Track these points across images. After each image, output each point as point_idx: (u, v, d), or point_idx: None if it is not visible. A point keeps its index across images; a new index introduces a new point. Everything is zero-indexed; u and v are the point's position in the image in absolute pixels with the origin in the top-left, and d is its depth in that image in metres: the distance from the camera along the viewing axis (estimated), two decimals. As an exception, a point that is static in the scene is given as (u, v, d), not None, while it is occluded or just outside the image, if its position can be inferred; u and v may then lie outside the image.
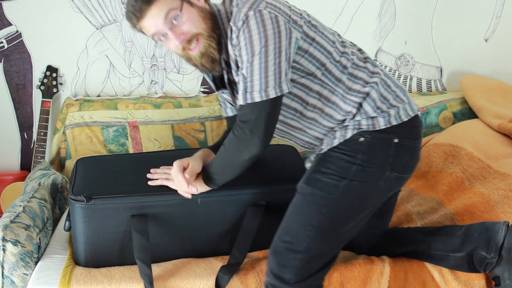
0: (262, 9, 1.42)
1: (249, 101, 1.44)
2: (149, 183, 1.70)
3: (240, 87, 1.45)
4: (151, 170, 1.75)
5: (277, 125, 1.57)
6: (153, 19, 1.46)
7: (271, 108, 1.46)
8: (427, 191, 2.13)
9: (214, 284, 1.64)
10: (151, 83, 2.65)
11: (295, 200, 1.58)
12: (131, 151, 2.47)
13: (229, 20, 1.50)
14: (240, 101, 1.46)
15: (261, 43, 1.40)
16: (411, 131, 1.57)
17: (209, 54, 1.51)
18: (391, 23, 2.68)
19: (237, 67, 1.51)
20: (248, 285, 1.66)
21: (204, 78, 2.66)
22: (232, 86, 1.63)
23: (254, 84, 1.43)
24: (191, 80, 2.67)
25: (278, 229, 1.57)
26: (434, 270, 1.71)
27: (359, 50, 1.62)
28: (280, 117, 1.57)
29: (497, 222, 1.62)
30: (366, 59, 1.59)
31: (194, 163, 1.63)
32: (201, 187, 1.62)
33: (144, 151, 2.47)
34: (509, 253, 1.56)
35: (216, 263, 1.70)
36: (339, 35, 1.62)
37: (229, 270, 1.64)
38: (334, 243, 1.56)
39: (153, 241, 1.67)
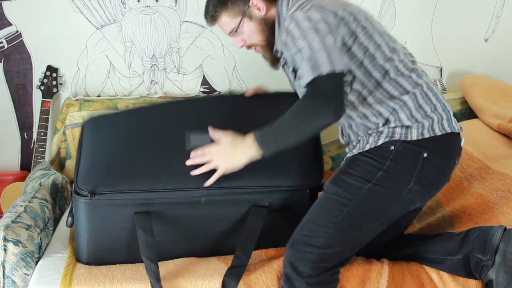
0: (309, 9, 1.54)
1: (316, 74, 1.45)
2: (192, 173, 1.64)
3: (305, 65, 1.47)
4: (188, 162, 1.65)
5: None
6: (221, 28, 1.73)
7: (340, 78, 1.47)
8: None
9: (216, 284, 1.64)
10: (151, 83, 2.65)
11: (319, 198, 1.64)
12: (131, 151, 2.47)
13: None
14: (310, 76, 1.46)
15: (311, 26, 1.49)
16: (444, 151, 1.59)
17: (266, 57, 1.74)
18: (391, 23, 2.68)
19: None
20: (251, 286, 1.66)
21: (204, 78, 2.67)
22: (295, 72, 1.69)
23: (320, 59, 1.45)
24: (191, 80, 2.67)
25: (299, 225, 1.62)
26: (432, 271, 1.71)
27: (412, 61, 1.65)
28: None
29: (493, 226, 1.64)
30: (413, 70, 1.62)
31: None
32: (249, 153, 1.55)
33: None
34: (504, 256, 1.57)
35: (219, 264, 1.71)
36: (394, 41, 1.65)
37: (235, 274, 1.64)
38: (349, 244, 1.60)
39: (156, 239, 1.67)
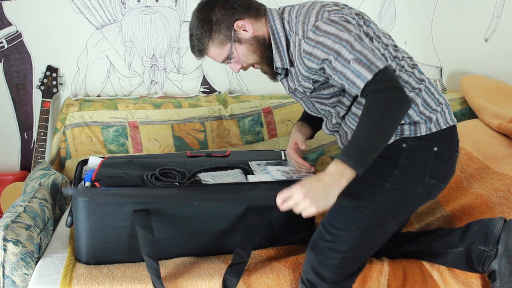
0: (329, 15, 1.51)
1: (376, 70, 1.43)
2: (278, 204, 1.42)
3: (356, 66, 1.44)
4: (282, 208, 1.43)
5: (332, 118, 1.67)
6: (213, 59, 1.66)
7: (392, 71, 1.48)
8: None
9: (216, 284, 1.64)
10: (151, 83, 2.65)
11: (337, 202, 1.57)
12: (131, 151, 2.47)
13: (285, 31, 1.59)
14: (369, 74, 1.43)
15: (341, 28, 1.47)
16: (450, 144, 1.62)
17: (265, 71, 1.67)
18: (391, 23, 2.68)
19: (308, 70, 1.56)
20: (251, 286, 1.66)
21: (204, 78, 2.67)
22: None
23: (368, 57, 1.44)
24: (191, 80, 2.67)
25: (317, 229, 1.61)
26: (433, 269, 1.72)
27: (410, 57, 1.66)
28: (333, 111, 1.65)
29: (493, 218, 1.67)
30: (414, 66, 1.63)
31: (297, 134, 1.78)
32: (343, 180, 1.39)
33: (144, 151, 2.47)
34: (506, 246, 1.59)
35: (219, 263, 1.71)
36: (392, 39, 1.66)
37: (236, 272, 1.64)
38: (371, 245, 1.60)
39: (155, 237, 1.67)
